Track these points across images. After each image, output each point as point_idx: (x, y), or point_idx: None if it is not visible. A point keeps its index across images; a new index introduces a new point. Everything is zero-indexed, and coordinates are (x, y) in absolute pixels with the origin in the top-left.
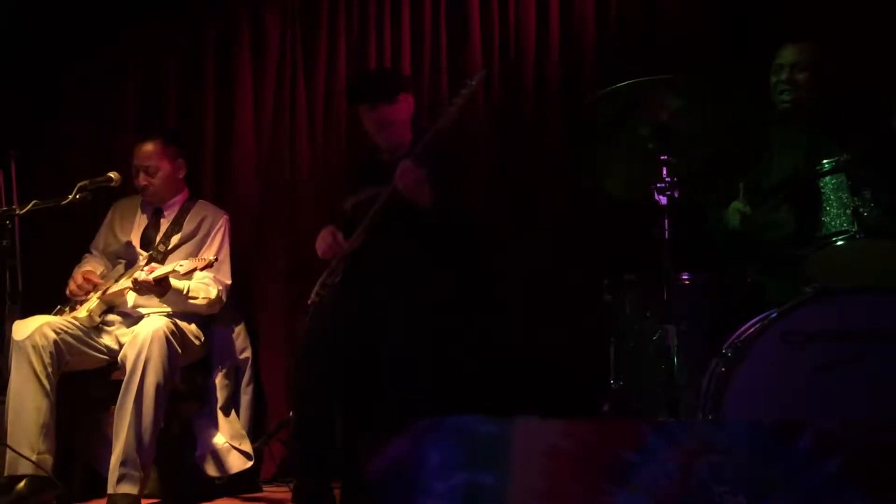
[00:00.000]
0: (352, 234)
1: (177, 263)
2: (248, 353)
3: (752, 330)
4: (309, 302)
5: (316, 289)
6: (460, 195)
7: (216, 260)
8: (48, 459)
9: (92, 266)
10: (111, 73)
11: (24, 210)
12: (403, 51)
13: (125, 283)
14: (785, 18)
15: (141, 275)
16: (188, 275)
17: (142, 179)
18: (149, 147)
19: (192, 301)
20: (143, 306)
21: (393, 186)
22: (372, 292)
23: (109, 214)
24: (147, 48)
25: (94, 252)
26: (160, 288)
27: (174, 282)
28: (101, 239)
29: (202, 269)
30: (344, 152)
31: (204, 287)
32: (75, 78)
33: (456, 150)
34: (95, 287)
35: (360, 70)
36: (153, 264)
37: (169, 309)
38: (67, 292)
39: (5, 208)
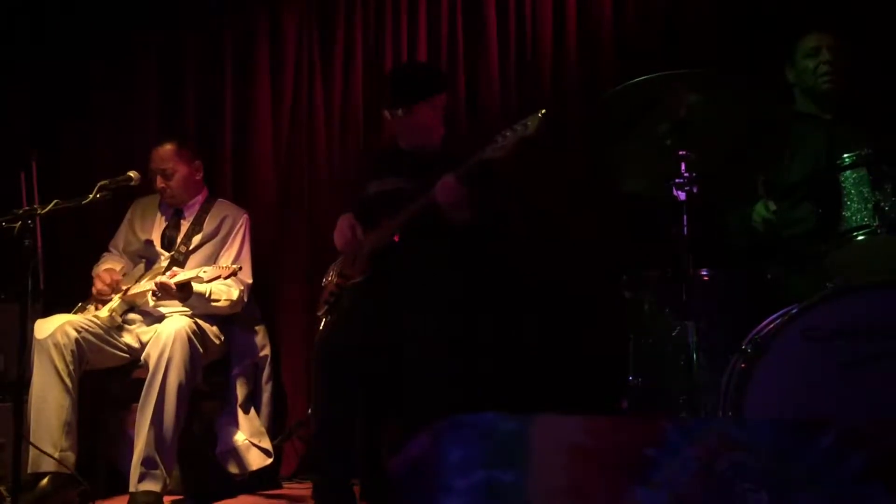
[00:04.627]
0: (371, 222)
1: (200, 269)
2: (267, 351)
3: (772, 326)
4: (323, 283)
5: (333, 276)
6: (502, 219)
7: (240, 269)
8: (71, 457)
9: (112, 264)
10: (131, 74)
11: (46, 209)
12: (420, 50)
13: (147, 284)
14: (806, 14)
15: (162, 279)
16: (211, 281)
17: (160, 182)
18: (165, 150)
19: (214, 304)
20: (164, 305)
21: (432, 198)
22: (394, 291)
23: (129, 212)
24: (167, 49)
25: (112, 251)
26: (183, 293)
27: (196, 286)
28: (120, 237)
29: (226, 278)
30: (361, 150)
31: (226, 289)
32: (96, 79)
33: (504, 177)
34: (118, 286)
35: (391, 69)
36: (175, 268)
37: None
38: (94, 292)
39: (27, 208)
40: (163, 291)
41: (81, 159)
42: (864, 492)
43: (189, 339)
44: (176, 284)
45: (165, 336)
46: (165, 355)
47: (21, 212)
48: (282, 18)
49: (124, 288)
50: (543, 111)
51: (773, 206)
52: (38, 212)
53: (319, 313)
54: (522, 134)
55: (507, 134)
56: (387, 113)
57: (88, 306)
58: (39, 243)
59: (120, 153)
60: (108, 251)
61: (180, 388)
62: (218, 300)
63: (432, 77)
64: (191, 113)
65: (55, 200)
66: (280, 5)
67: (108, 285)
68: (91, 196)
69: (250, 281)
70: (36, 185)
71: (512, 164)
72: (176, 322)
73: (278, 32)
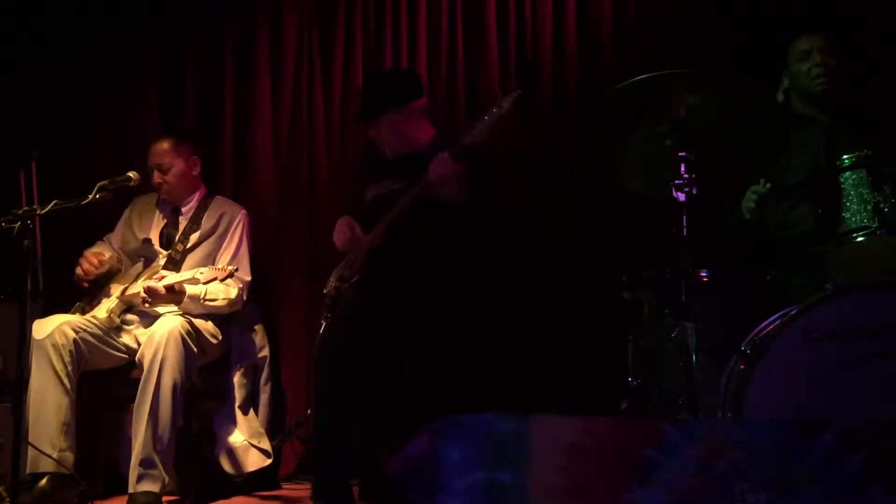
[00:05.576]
0: (370, 225)
1: (197, 271)
2: (266, 352)
3: (771, 327)
4: (325, 291)
5: (332, 281)
6: (494, 197)
7: (236, 270)
8: (69, 457)
9: (102, 249)
10: (131, 74)
11: (45, 210)
12: (420, 51)
13: (144, 284)
14: (805, 14)
15: (150, 283)
16: (207, 283)
17: (156, 177)
18: (162, 145)
19: (210, 303)
20: (160, 306)
21: (426, 179)
22: (394, 291)
23: (127, 211)
24: (167, 49)
25: (107, 242)
26: (175, 296)
27: (190, 287)
28: (118, 235)
29: (222, 280)
30: (361, 150)
31: (223, 288)
32: (96, 79)
33: (491, 157)
34: (101, 265)
35: (368, 78)
36: (162, 272)
37: None
38: (78, 272)
39: (26, 208)
40: (152, 296)
41: (81, 159)
42: (864, 492)
43: (182, 338)
44: (165, 287)
45: (158, 336)
46: (159, 355)
47: (21, 212)
48: (282, 18)
49: (122, 287)
50: (519, 91)
51: (765, 189)
52: (38, 212)
53: (322, 318)
54: (498, 114)
55: (485, 117)
56: (363, 127)
57: (86, 306)
58: (39, 243)
59: (120, 153)
60: (102, 241)
61: (175, 387)
62: (215, 300)
63: (399, 86)
64: (191, 113)
65: (55, 200)
66: (280, 5)
67: (94, 266)
68: (91, 196)
69: (249, 278)
70: (36, 185)
71: (496, 152)
72: (169, 322)
73: (278, 32)
